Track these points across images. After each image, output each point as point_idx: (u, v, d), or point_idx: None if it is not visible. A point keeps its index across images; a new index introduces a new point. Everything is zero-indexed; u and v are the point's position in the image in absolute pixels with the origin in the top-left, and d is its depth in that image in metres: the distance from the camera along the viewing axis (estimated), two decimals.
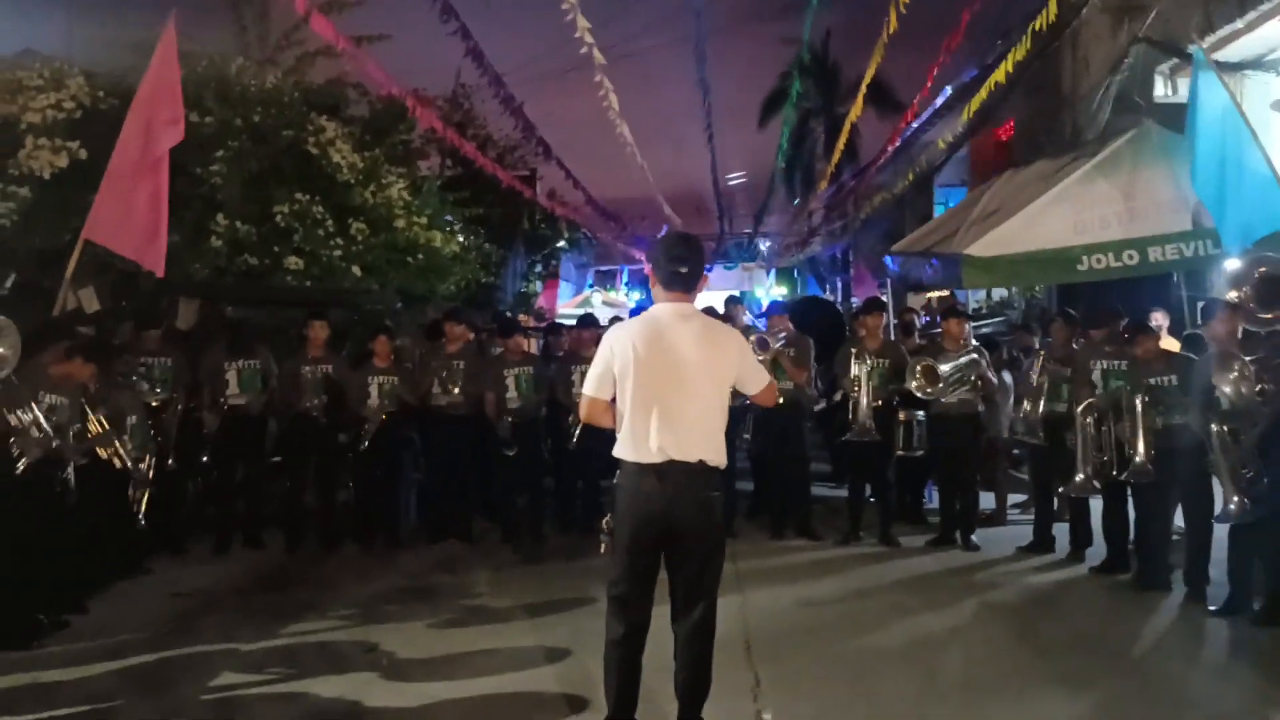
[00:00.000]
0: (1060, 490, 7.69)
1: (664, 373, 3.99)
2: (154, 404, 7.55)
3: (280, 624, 6.05)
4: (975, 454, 8.27)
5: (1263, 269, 5.79)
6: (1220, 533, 6.29)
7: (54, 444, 5.74)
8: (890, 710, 4.78)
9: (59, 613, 6.01)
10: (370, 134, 11.20)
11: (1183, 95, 8.45)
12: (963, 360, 8.03)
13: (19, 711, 4.68)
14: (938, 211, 16.57)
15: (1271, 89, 9.01)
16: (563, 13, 8.64)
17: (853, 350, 8.21)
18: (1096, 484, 6.94)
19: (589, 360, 8.09)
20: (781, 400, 8.13)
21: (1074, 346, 7.79)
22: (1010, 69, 9.22)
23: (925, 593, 6.80)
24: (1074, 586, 7.02)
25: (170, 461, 7.39)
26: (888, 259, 10.96)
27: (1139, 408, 6.57)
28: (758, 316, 12.81)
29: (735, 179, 21.40)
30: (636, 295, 28.22)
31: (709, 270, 5.47)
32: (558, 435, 8.73)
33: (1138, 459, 6.54)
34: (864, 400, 8.02)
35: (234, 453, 8.20)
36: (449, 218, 12.30)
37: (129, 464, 6.46)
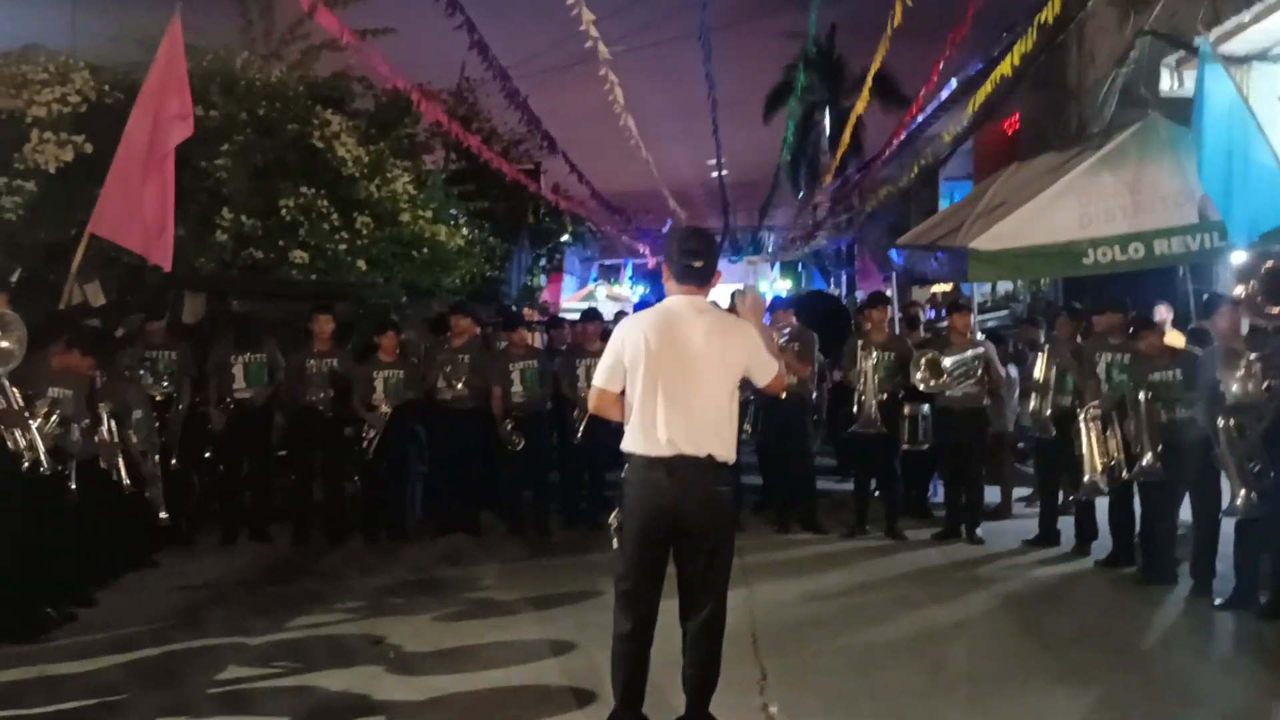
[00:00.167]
0: (1070, 498, 7.68)
1: (675, 365, 3.97)
2: (159, 398, 7.57)
3: (287, 617, 6.06)
4: (980, 448, 8.26)
5: (1270, 263, 5.77)
6: (1227, 526, 6.28)
7: (58, 433, 5.74)
8: (896, 703, 4.78)
9: (67, 606, 6.03)
10: (375, 128, 11.23)
11: (1189, 88, 8.43)
12: (968, 354, 8.02)
13: (28, 704, 4.70)
14: (943, 205, 16.51)
15: (1278, 82, 8.97)
16: (568, 6, 8.63)
17: (859, 343, 8.21)
18: (1104, 486, 6.91)
19: (593, 354, 8.22)
20: (785, 395, 8.15)
21: (1079, 340, 7.78)
22: (1016, 62, 9.20)
23: (931, 586, 6.81)
24: (1079, 580, 7.01)
25: (174, 461, 7.42)
26: (893, 252, 10.95)
27: (1143, 404, 6.56)
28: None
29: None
30: (641, 289, 28.22)
31: None
32: (563, 429, 8.74)
33: (1146, 458, 6.52)
34: (869, 393, 8.01)
35: (240, 446, 8.21)
36: (454, 211, 12.34)
37: (124, 478, 6.41)
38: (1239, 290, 5.88)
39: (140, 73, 7.93)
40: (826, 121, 27.23)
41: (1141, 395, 6.57)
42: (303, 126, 10.08)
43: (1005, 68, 9.34)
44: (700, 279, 4.11)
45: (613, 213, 19.50)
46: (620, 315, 9.41)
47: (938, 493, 9.04)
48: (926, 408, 8.21)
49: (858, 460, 8.69)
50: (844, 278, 27.11)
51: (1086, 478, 6.89)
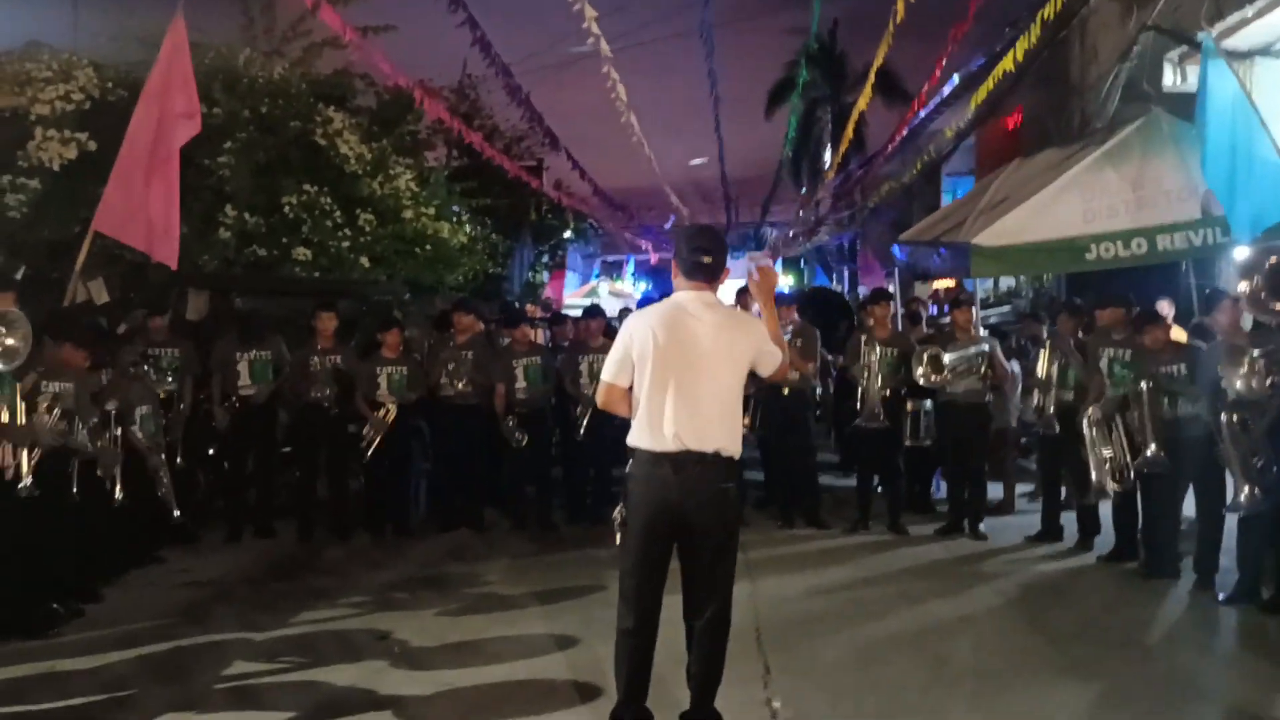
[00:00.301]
0: (1077, 501, 7.68)
1: (683, 360, 3.97)
2: (161, 395, 7.58)
3: (293, 612, 6.09)
4: (982, 443, 8.28)
5: (1274, 258, 5.76)
6: (1230, 521, 6.30)
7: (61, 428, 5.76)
8: (899, 697, 4.79)
9: (73, 602, 6.05)
10: (378, 125, 11.23)
11: (1192, 83, 8.41)
12: (970, 350, 8.03)
13: (36, 699, 4.73)
14: (945, 201, 16.50)
15: None
16: (569, 3, 8.63)
17: (862, 339, 8.22)
18: (1110, 489, 6.90)
19: (596, 350, 8.24)
20: (787, 391, 8.18)
21: (1080, 336, 7.78)
22: (1018, 58, 9.19)
23: (934, 581, 6.82)
24: (1082, 575, 7.03)
25: (179, 460, 7.43)
26: (895, 248, 10.95)
27: (1145, 393, 6.56)
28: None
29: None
30: (643, 285, 28.24)
31: None
32: (566, 426, 8.76)
33: (1151, 448, 6.52)
34: (873, 388, 8.03)
35: (245, 443, 8.24)
36: (456, 208, 12.34)
37: (118, 492, 6.38)
38: (1243, 286, 5.85)
39: (143, 70, 7.94)
40: (829, 118, 27.20)
41: (1144, 384, 6.57)
42: (305, 124, 10.09)
43: (1008, 63, 9.33)
44: (709, 275, 4.11)
45: (615, 209, 19.49)
46: (625, 312, 9.42)
47: (940, 488, 9.05)
48: (929, 404, 8.22)
49: (861, 456, 8.70)
50: (846, 274, 27.09)
51: (1094, 478, 6.87)
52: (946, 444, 8.28)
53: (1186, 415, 6.48)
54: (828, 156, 25.20)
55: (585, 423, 8.31)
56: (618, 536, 4.08)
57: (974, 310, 8.95)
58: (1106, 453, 6.76)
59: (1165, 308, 8.12)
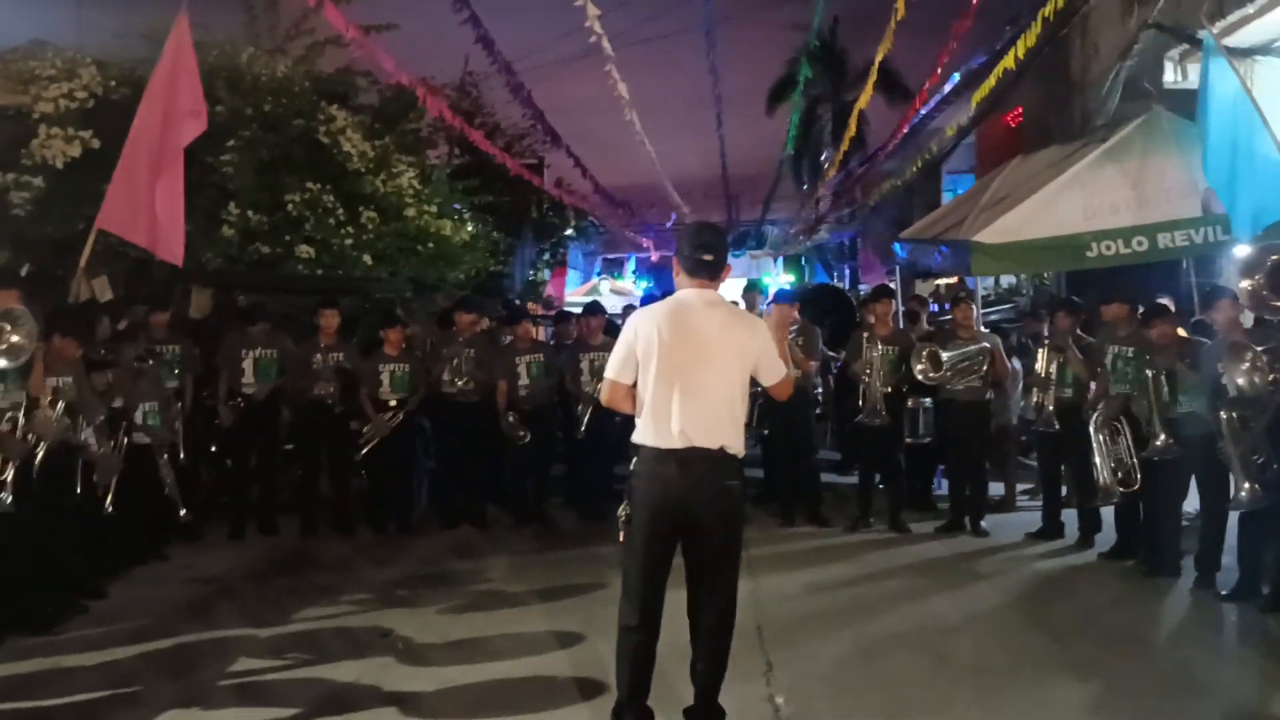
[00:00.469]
0: (1082, 504, 7.69)
1: (688, 356, 3.98)
2: None
3: (296, 609, 6.11)
4: (983, 440, 8.29)
5: (1275, 256, 5.77)
6: (1230, 519, 6.31)
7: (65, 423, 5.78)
8: (901, 693, 4.81)
9: (78, 598, 6.07)
10: (380, 122, 11.24)
11: (1193, 81, 8.41)
12: (971, 348, 8.05)
13: (42, 695, 4.76)
14: (946, 198, 16.51)
15: None
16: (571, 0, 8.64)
17: (864, 336, 8.23)
18: (1116, 491, 6.90)
19: (597, 348, 8.26)
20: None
21: (1078, 333, 7.78)
22: (1019, 55, 9.19)
23: (935, 578, 6.84)
24: (1084, 572, 7.05)
25: (182, 456, 7.45)
26: (896, 246, 10.96)
27: (1151, 381, 6.55)
28: (766, 304, 12.81)
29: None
30: (644, 283, 28.22)
31: None
32: (568, 423, 8.78)
33: (1160, 438, 6.52)
34: (874, 385, 8.04)
35: (247, 440, 8.26)
36: (458, 206, 12.35)
37: (109, 503, 6.36)
38: (1245, 284, 5.86)
39: (147, 68, 7.94)
40: (829, 115, 27.17)
41: (1149, 372, 6.57)
42: (308, 122, 10.10)
43: (1009, 61, 9.33)
44: (711, 272, 4.12)
45: (616, 207, 19.50)
46: (629, 309, 9.44)
47: (941, 485, 9.07)
48: (929, 401, 8.24)
49: (862, 453, 8.72)
50: (847, 271, 27.09)
51: (1102, 482, 6.86)
52: (947, 441, 8.30)
53: (1189, 411, 6.49)
54: (828, 154, 25.18)
55: (586, 420, 8.34)
56: (621, 534, 4.09)
57: (975, 308, 8.97)
58: (1112, 464, 6.77)
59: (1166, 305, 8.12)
